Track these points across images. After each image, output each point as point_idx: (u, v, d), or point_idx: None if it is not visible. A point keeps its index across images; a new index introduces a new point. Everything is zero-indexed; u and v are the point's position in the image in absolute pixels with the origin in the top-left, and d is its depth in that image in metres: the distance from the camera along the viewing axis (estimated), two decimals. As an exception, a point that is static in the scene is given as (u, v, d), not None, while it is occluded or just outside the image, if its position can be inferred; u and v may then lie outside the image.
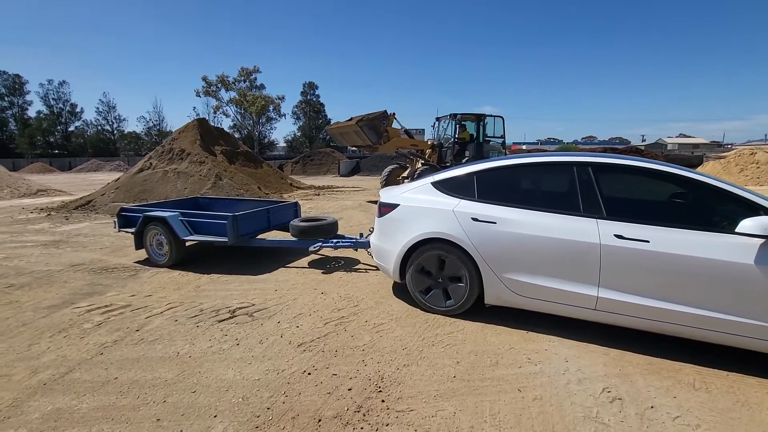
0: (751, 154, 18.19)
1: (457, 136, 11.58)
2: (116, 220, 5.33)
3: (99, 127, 56.15)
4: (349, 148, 16.67)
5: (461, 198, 3.36)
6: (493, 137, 12.37)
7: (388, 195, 3.85)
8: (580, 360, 2.69)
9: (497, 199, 3.22)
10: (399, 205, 3.63)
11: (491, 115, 12.28)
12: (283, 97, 46.02)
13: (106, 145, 53.96)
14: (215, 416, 2.14)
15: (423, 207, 3.47)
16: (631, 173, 2.99)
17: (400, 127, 11.71)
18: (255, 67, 44.81)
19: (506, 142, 12.95)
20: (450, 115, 11.86)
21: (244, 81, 44.80)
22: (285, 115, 49.08)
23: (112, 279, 4.54)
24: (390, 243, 3.63)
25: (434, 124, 12.78)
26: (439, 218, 3.34)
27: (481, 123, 11.98)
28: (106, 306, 3.71)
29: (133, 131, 56.90)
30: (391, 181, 11.72)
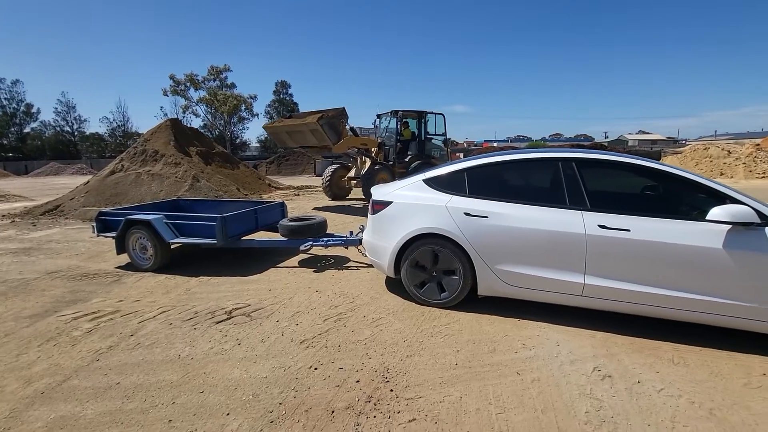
0: (705, 149, 19.47)
1: (399, 133, 11.38)
2: (94, 224, 5.14)
3: (58, 129, 52.92)
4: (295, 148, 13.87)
5: (453, 194, 3.49)
6: (435, 135, 12.30)
7: (380, 192, 3.93)
8: (571, 343, 2.87)
9: (488, 194, 3.37)
10: (392, 202, 3.71)
11: (432, 113, 12.16)
12: (256, 97, 44.99)
13: (66, 147, 50.95)
14: (228, 414, 2.15)
15: (416, 203, 3.58)
16: (612, 167, 3.20)
17: (348, 126, 11.19)
18: (225, 65, 43.58)
19: (448, 139, 12.86)
20: (391, 112, 11.54)
21: (214, 80, 43.46)
22: (258, 114, 48.04)
23: (95, 285, 4.39)
24: (384, 240, 3.71)
25: (375, 121, 12.46)
26: (433, 214, 3.45)
27: (423, 120, 11.86)
28: (93, 312, 3.60)
29: (96, 132, 54.05)
30: (334, 182, 11.37)
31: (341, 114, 9.29)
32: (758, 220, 2.56)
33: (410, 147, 11.70)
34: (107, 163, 12.60)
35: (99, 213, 5.22)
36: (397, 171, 10.65)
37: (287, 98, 53.24)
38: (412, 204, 3.60)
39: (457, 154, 24.40)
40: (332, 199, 11.57)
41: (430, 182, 3.67)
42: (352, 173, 11.32)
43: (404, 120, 11.62)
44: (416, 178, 3.81)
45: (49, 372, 2.62)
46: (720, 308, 2.66)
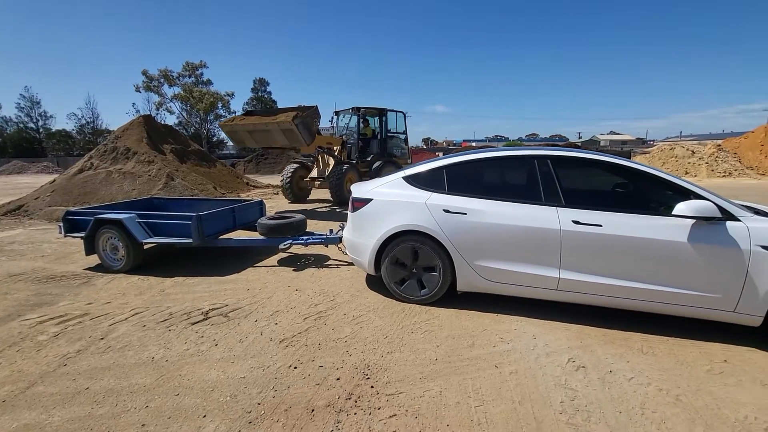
0: (671, 149, 20.36)
1: (361, 131, 10.90)
2: (62, 224, 4.91)
3: (21, 125, 50.34)
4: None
5: (432, 191, 3.52)
6: (397, 133, 11.88)
7: (360, 190, 3.92)
8: (546, 336, 2.95)
9: (467, 191, 3.41)
10: (372, 199, 3.71)
11: (393, 110, 11.70)
12: (233, 94, 44.05)
13: (30, 145, 48.48)
14: (204, 416, 2.10)
15: (396, 201, 3.58)
16: (586, 165, 3.30)
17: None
18: (201, 62, 42.38)
19: (408, 138, 12.45)
20: (353, 108, 10.90)
21: (190, 76, 42.28)
22: (235, 112, 47.06)
23: (62, 288, 4.20)
24: (364, 237, 3.71)
25: (332, 119, 11.82)
26: (413, 211, 3.47)
27: (384, 118, 11.36)
28: (60, 316, 3.45)
29: (63, 129, 51.73)
30: (295, 183, 10.65)
31: (315, 113, 8.71)
32: (719, 215, 2.69)
33: (371, 145, 11.28)
34: (75, 161, 12.07)
35: (66, 212, 4.99)
36: (360, 170, 10.25)
37: (265, 96, 52.39)
38: (392, 201, 3.60)
39: (437, 153, 24.63)
40: (292, 202, 10.78)
41: (410, 179, 3.69)
42: (314, 173, 10.56)
43: (365, 117, 11.12)
44: (396, 175, 3.82)
45: (12, 379, 2.49)
46: (686, 299, 2.79)
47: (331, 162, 10.11)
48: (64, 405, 2.22)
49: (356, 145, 10.81)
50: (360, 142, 10.89)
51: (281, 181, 10.92)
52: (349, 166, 9.68)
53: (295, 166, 11.00)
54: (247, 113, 9.59)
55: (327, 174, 10.01)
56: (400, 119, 12.06)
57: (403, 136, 12.17)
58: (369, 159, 10.79)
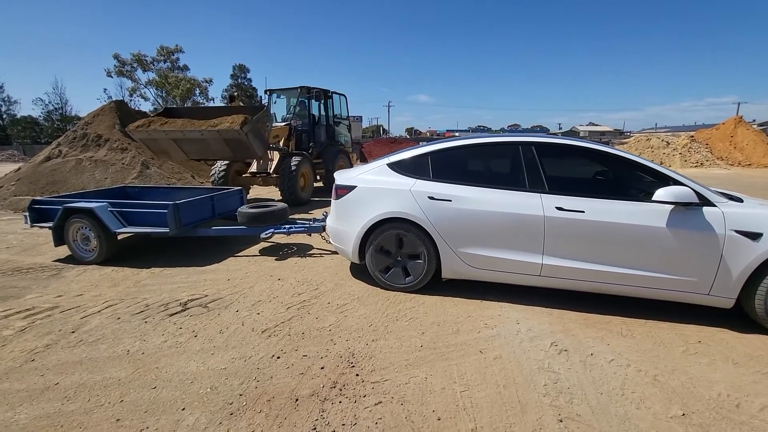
0: (647, 140, 20.95)
1: (313, 115, 9.54)
2: (27, 214, 4.65)
3: (-19, 111, 47.49)
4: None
5: (417, 178, 3.47)
6: (341, 118, 10.83)
7: (343, 177, 3.84)
8: (529, 321, 2.98)
9: (451, 178, 3.39)
10: (356, 186, 3.64)
11: (337, 93, 10.49)
12: (211, 80, 42.64)
13: (-8, 132, 45.90)
14: (183, 409, 2.03)
15: (380, 188, 3.53)
16: (570, 152, 3.32)
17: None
18: (177, 46, 40.76)
19: (351, 125, 11.46)
20: (300, 88, 9.32)
21: (165, 61, 40.67)
22: (213, 99, 45.61)
23: (29, 280, 3.99)
24: (348, 225, 3.65)
25: (261, 98, 10.22)
26: (397, 198, 3.42)
27: (330, 101, 10.07)
28: (27, 310, 3.27)
29: (29, 116, 48.99)
30: (230, 180, 8.38)
31: (266, 115, 6.82)
32: (697, 200, 2.75)
33: (318, 133, 9.70)
34: (42, 149, 11.44)
35: (32, 201, 4.72)
36: (313, 161, 8.94)
37: (245, 83, 50.95)
38: (377, 188, 3.54)
39: (419, 143, 24.56)
40: None
41: (394, 166, 3.63)
42: (254, 167, 8.55)
43: (308, 100, 9.47)
44: (380, 162, 3.76)
45: (-26, 376, 2.35)
46: (665, 283, 2.86)
47: (276, 154, 8.45)
48: (31, 402, 2.10)
49: (310, 132, 9.40)
50: (310, 129, 9.44)
51: (212, 178, 8.48)
52: (301, 159, 8.08)
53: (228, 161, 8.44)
54: (166, 112, 7.25)
55: (273, 168, 8.31)
56: (343, 103, 11.03)
57: (346, 122, 11.22)
58: (318, 148, 9.54)
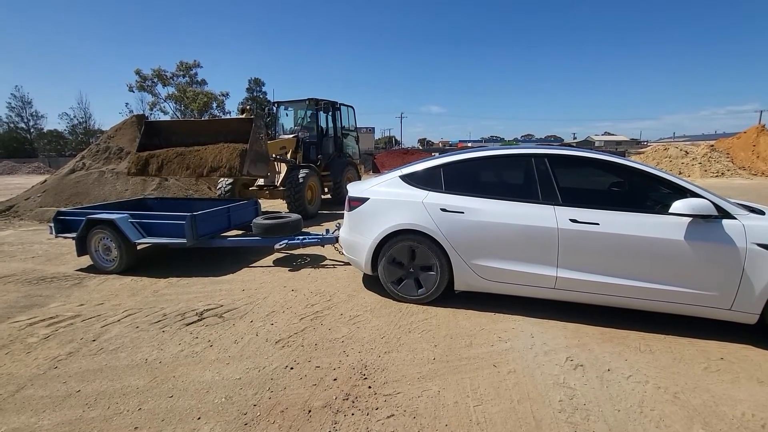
0: (665, 149, 20.56)
1: (322, 128, 9.58)
2: (52, 224, 4.83)
3: (12, 125, 49.60)
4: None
5: (429, 190, 3.50)
6: (349, 130, 10.86)
7: (356, 189, 3.89)
8: (544, 335, 2.94)
9: (464, 190, 3.40)
10: (369, 198, 3.68)
11: (344, 105, 10.53)
12: (227, 94, 43.77)
13: (21, 145, 47.75)
14: (199, 418, 2.06)
15: (393, 200, 3.56)
16: (583, 164, 3.30)
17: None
18: (195, 61, 42.09)
19: (359, 136, 11.48)
20: (308, 100, 9.41)
21: (184, 76, 41.98)
22: (230, 112, 46.71)
23: (53, 289, 4.13)
24: (361, 236, 3.68)
25: (270, 109, 10.26)
26: (410, 210, 3.45)
27: (338, 113, 10.13)
28: (51, 318, 3.38)
29: (55, 129, 51.10)
30: (237, 193, 8.27)
31: (261, 129, 6.27)
32: (716, 213, 2.70)
33: (326, 144, 9.67)
34: (67, 161, 11.91)
35: (57, 212, 4.91)
36: (320, 173, 8.91)
37: (260, 96, 52.12)
38: (389, 200, 3.58)
39: (432, 154, 24.65)
40: None
41: (406, 178, 3.67)
42: (261, 180, 8.30)
43: (317, 112, 9.56)
44: (393, 174, 3.80)
45: (0, 382, 2.43)
46: (684, 297, 2.79)
47: (284, 166, 8.35)
48: (54, 408, 2.16)
49: (318, 144, 9.39)
50: (320, 140, 9.48)
51: (218, 192, 8.45)
52: (308, 171, 8.02)
53: None
54: (147, 126, 6.41)
55: (280, 181, 8.17)
56: (351, 114, 11.07)
57: (354, 134, 11.27)
58: (326, 160, 9.55)
